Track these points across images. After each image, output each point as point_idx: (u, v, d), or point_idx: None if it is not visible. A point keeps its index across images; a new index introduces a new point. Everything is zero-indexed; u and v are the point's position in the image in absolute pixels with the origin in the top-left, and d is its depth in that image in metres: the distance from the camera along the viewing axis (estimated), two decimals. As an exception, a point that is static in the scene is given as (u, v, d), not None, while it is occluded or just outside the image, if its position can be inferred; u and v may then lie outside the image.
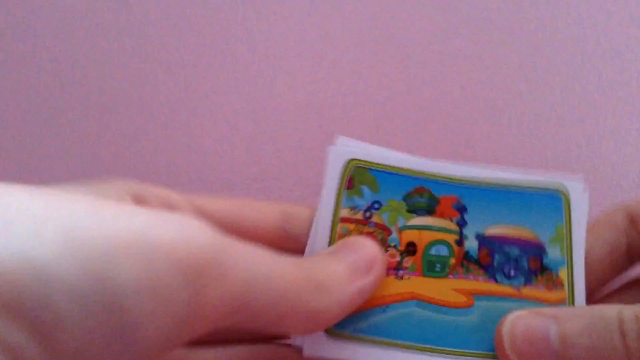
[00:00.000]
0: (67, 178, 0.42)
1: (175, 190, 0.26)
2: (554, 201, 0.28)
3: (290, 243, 0.28)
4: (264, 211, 0.28)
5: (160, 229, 0.18)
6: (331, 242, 0.27)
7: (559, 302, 0.27)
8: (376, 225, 0.28)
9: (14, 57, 0.44)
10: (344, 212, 0.28)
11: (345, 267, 0.24)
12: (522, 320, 0.25)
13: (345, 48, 0.43)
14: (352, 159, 0.28)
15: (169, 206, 0.25)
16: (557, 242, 0.28)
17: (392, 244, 0.28)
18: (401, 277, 0.27)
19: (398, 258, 0.28)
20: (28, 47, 0.45)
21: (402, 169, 0.29)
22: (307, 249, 0.28)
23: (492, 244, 0.28)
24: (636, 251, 0.29)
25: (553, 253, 0.28)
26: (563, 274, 0.27)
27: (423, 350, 0.26)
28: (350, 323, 0.26)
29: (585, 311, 0.25)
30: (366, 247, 0.26)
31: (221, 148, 0.42)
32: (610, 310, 0.24)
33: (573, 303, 0.27)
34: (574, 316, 0.24)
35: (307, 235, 0.28)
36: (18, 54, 0.44)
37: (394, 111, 0.42)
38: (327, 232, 0.27)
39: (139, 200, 0.24)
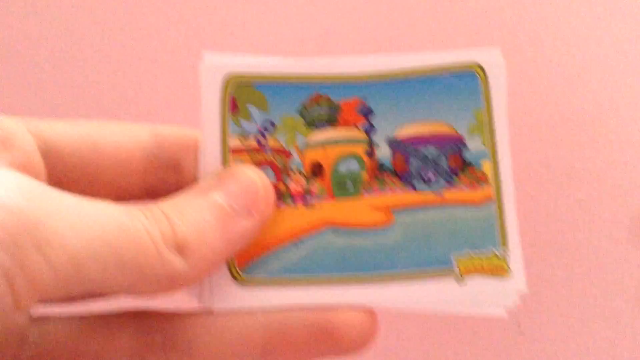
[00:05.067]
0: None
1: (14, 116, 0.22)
2: (468, 82, 0.24)
3: (167, 173, 0.24)
4: (130, 134, 0.23)
5: None
6: None
7: (486, 201, 0.24)
8: (273, 150, 0.24)
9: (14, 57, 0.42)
10: (233, 142, 0.24)
11: (217, 211, 0.21)
12: None
13: None
14: (231, 75, 0.24)
15: (3, 136, 0.21)
16: (477, 130, 0.25)
17: (295, 169, 0.24)
18: (311, 205, 0.24)
19: (304, 183, 0.24)
20: (28, 47, 0.42)
21: (291, 76, 0.24)
22: None
23: (406, 148, 0.24)
24: None
25: (474, 145, 0.25)
26: (487, 167, 0.24)
27: (346, 281, 0.24)
28: (261, 265, 0.23)
29: None
30: (245, 180, 0.22)
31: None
32: None
33: (500, 199, 0.24)
34: None
35: (186, 161, 0.24)
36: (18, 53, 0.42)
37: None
38: (217, 169, 0.24)
39: None
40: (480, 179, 0.24)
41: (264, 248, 0.24)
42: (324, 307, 0.23)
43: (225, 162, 0.24)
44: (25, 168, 0.21)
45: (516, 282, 0.24)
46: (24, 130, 0.21)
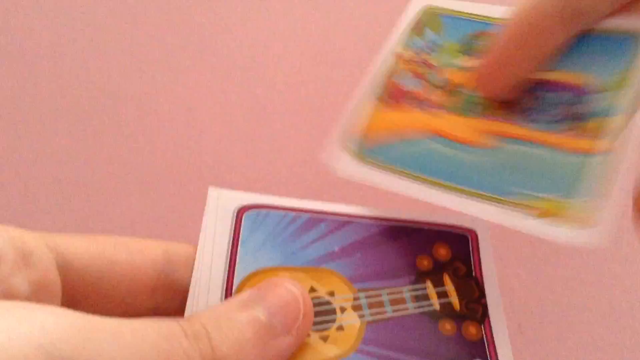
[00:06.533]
0: (67, 179, 0.42)
1: (34, 228, 0.23)
2: (626, 45, 0.25)
3: (176, 292, 0.24)
4: (143, 252, 0.24)
5: None
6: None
7: (586, 152, 0.24)
8: (425, 62, 0.28)
9: (14, 58, 0.44)
10: (404, 52, 0.29)
11: (257, 329, 0.21)
12: None
13: (345, 47, 0.42)
14: (429, 6, 0.29)
15: (24, 252, 0.21)
16: (613, 88, 0.25)
17: (434, 81, 0.28)
18: (428, 111, 0.28)
19: (430, 91, 0.28)
20: (28, 47, 0.43)
21: (473, 14, 0.29)
22: (192, 293, 0.24)
23: (535, 89, 0.26)
24: None
25: (597, 101, 0.25)
26: (605, 122, 0.24)
27: (446, 187, 0.26)
28: (379, 151, 0.27)
29: None
30: (286, 295, 0.22)
31: (220, 148, 0.42)
32: None
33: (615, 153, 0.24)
34: None
35: (188, 280, 0.24)
36: (18, 54, 0.43)
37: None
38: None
39: None
40: (589, 131, 0.25)
41: (389, 133, 0.27)
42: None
43: (393, 68, 0.29)
44: (42, 285, 0.22)
45: (597, 232, 0.23)
46: (43, 247, 0.22)
